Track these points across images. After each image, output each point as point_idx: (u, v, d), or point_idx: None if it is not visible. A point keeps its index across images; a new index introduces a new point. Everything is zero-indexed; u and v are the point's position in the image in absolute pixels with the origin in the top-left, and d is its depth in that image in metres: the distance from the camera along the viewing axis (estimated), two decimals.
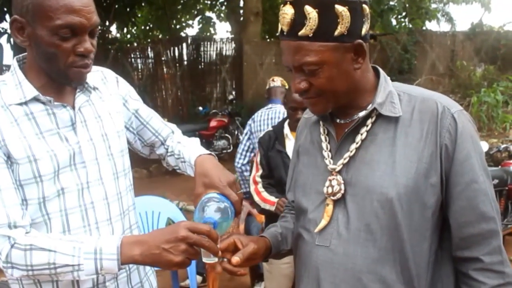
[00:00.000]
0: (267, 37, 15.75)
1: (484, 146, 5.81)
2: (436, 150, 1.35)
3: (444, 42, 15.47)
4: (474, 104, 11.50)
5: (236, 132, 10.83)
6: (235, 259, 1.43)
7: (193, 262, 4.13)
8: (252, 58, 12.83)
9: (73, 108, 1.57)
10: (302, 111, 3.20)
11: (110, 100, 1.71)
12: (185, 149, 1.78)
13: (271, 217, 3.23)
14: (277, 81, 5.31)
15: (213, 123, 10.45)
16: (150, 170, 10.28)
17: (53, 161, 1.49)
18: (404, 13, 15.90)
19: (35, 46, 1.46)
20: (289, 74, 1.41)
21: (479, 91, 12.12)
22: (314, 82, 1.36)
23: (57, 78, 1.52)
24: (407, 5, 15.59)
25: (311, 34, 1.30)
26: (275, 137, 3.44)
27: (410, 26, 15.59)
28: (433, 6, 16.82)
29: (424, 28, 15.92)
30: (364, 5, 1.35)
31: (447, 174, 1.35)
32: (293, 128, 3.35)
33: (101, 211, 1.59)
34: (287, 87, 5.07)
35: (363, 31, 1.35)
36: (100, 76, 1.73)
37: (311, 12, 1.28)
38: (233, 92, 12.89)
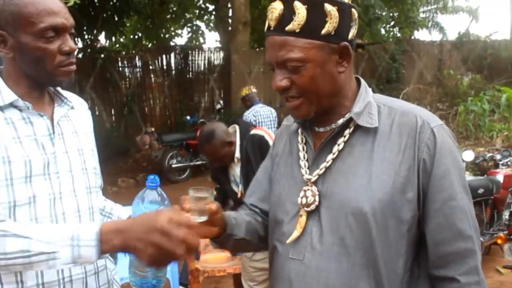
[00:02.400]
0: (255, 46, 15.77)
1: (470, 155, 5.81)
2: (413, 164, 1.32)
3: (431, 51, 15.58)
4: (461, 113, 11.57)
5: None
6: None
7: (176, 274, 4.12)
8: (240, 67, 12.83)
9: (51, 119, 1.59)
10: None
11: (85, 122, 1.75)
12: (115, 207, 1.85)
13: None
14: (253, 88, 7.02)
15: None
16: (137, 180, 10.23)
17: (27, 166, 1.48)
18: (392, 23, 16.01)
19: (20, 55, 1.50)
20: (271, 81, 1.39)
21: (466, 100, 12.20)
22: (296, 81, 1.34)
23: (47, 81, 1.56)
24: (395, 15, 15.69)
25: (298, 30, 1.30)
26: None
27: (399, 35, 15.68)
28: (422, 15, 16.94)
29: (412, 37, 16.02)
30: (353, 9, 1.35)
31: (425, 190, 1.33)
32: None
33: (72, 223, 1.56)
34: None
35: (350, 35, 1.35)
36: (78, 101, 1.77)
37: (300, 8, 1.29)
38: (221, 102, 12.89)
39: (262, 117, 6.07)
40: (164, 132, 11.03)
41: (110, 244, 1.33)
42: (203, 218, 1.37)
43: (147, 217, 1.35)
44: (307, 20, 1.29)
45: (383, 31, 15.82)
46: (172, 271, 4.01)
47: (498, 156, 6.08)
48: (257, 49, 15.11)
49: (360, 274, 1.33)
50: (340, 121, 1.40)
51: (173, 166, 10.11)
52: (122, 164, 11.19)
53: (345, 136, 1.39)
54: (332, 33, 1.31)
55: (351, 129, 1.39)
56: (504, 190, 5.40)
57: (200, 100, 13.48)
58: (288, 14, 1.30)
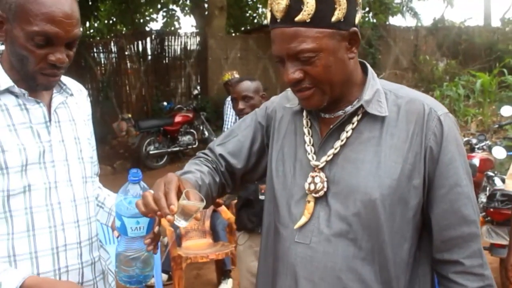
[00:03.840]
0: (232, 31, 15.68)
1: None
2: (420, 151, 1.34)
3: (407, 37, 15.65)
4: (437, 98, 11.65)
5: (201, 128, 10.75)
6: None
7: (158, 261, 4.11)
8: (217, 52, 12.75)
9: (49, 107, 1.56)
10: (242, 100, 3.28)
11: (83, 109, 1.72)
12: (108, 198, 1.81)
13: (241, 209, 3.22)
14: (236, 74, 6.87)
15: (178, 119, 10.34)
16: (114, 167, 10.14)
17: (22, 155, 1.46)
18: (367, 8, 16.03)
19: (10, 43, 1.46)
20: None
21: (442, 85, 12.32)
22: (310, 71, 1.33)
23: (25, 79, 1.50)
24: (370, 0, 15.72)
25: (309, 19, 1.28)
26: None
27: (374, 21, 15.72)
28: (396, 1, 16.99)
29: (387, 23, 16.08)
30: None
31: (431, 177, 1.35)
32: None
33: (68, 213, 1.56)
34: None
35: (357, 20, 1.35)
36: (77, 87, 1.74)
37: None
38: (198, 87, 12.81)
39: None
40: (141, 119, 10.89)
41: None
42: (184, 224, 1.33)
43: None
44: (317, 9, 1.27)
45: None
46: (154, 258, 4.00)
47: (474, 141, 6.15)
48: (234, 35, 15.05)
49: (367, 259, 1.35)
50: (349, 108, 1.41)
51: (151, 152, 10.03)
52: (99, 151, 10.89)
53: (353, 123, 1.39)
54: (342, 20, 1.30)
55: (359, 116, 1.39)
56: (480, 173, 5.48)
57: (177, 85, 13.35)
58: (295, 4, 1.28)
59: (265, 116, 1.62)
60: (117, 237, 1.48)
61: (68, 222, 1.55)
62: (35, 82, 1.49)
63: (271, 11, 1.34)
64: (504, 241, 3.94)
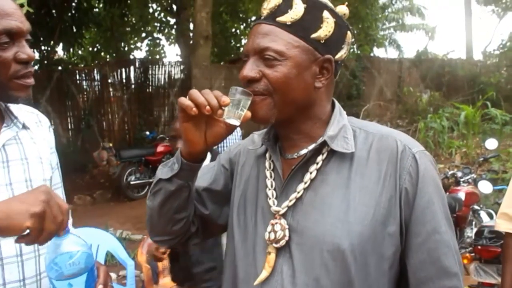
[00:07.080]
0: (216, 61, 15.70)
1: None
2: (395, 194, 1.20)
3: (391, 69, 15.79)
4: (421, 130, 11.67)
5: None
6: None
7: None
8: (201, 81, 12.66)
9: None
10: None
11: (42, 145, 1.50)
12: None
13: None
14: None
15: (160, 148, 10.19)
16: (94, 197, 9.95)
17: None
18: (353, 39, 16.20)
19: None
20: None
21: (426, 116, 12.33)
22: (269, 75, 1.21)
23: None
24: (355, 32, 15.88)
25: (289, 23, 1.21)
26: None
27: (359, 52, 15.85)
28: (381, 33, 17.19)
29: (372, 54, 16.22)
30: (349, 32, 1.27)
31: (407, 222, 1.21)
32: None
33: (12, 271, 1.34)
34: None
35: (338, 55, 1.26)
36: (34, 119, 1.53)
37: (299, 4, 1.21)
38: None
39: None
40: (122, 148, 10.75)
41: None
42: (235, 122, 1.20)
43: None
44: (302, 17, 1.20)
45: None
46: None
47: (459, 174, 6.07)
48: (218, 64, 15.06)
49: None
50: (312, 146, 1.27)
51: (132, 183, 9.86)
52: (78, 181, 10.87)
53: (317, 163, 1.25)
54: (322, 41, 1.21)
55: (324, 155, 1.26)
56: (466, 207, 5.38)
57: (160, 115, 13.28)
58: (284, 7, 1.22)
59: (228, 160, 1.48)
60: None
61: (11, 282, 1.33)
62: (11, 92, 1.32)
63: (261, 8, 1.28)
64: (493, 279, 3.82)
